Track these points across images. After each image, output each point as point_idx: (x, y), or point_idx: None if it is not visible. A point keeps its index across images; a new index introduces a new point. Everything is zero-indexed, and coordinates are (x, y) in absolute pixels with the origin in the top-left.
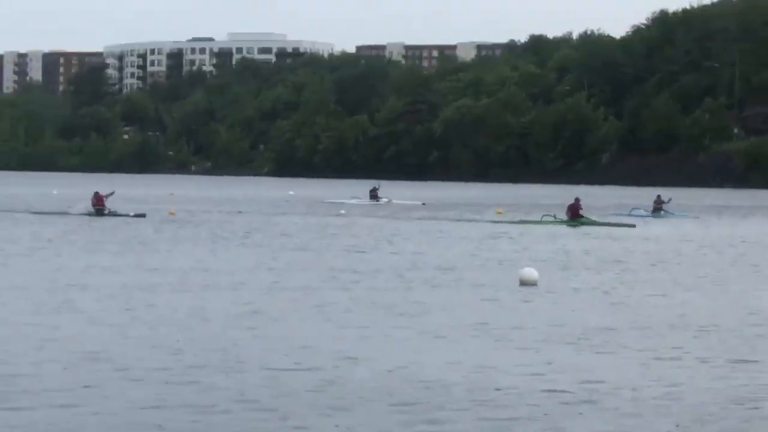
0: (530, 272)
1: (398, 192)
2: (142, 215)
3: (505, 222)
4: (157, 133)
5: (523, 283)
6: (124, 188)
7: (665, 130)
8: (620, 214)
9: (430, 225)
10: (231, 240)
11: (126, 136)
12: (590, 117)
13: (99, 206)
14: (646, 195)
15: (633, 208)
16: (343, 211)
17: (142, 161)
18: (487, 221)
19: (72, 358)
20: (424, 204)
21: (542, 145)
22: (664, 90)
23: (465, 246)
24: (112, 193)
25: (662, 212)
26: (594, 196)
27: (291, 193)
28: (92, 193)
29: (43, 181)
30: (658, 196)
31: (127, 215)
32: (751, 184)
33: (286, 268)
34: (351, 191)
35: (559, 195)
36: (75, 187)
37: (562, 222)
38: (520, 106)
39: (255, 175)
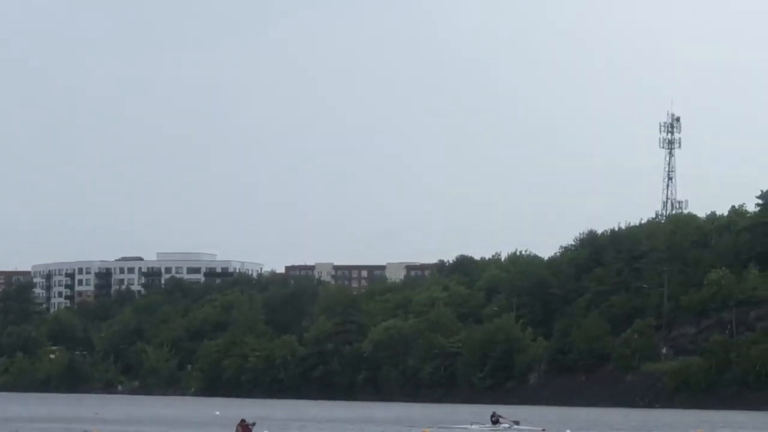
0: None
1: (518, 415)
2: None
3: None
4: (84, 353)
5: None
6: (49, 408)
7: (594, 350)
8: None
9: None
10: None
11: (53, 356)
12: (519, 337)
13: None
14: (573, 415)
15: None
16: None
17: (69, 381)
18: None
19: None
20: (544, 430)
21: (471, 365)
22: (593, 310)
23: None
24: (254, 424)
25: None
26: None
27: (217, 413)
28: (239, 420)
29: None
30: None
31: None
32: (678, 404)
33: None
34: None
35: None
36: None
37: None
38: (449, 326)
39: (182, 394)
